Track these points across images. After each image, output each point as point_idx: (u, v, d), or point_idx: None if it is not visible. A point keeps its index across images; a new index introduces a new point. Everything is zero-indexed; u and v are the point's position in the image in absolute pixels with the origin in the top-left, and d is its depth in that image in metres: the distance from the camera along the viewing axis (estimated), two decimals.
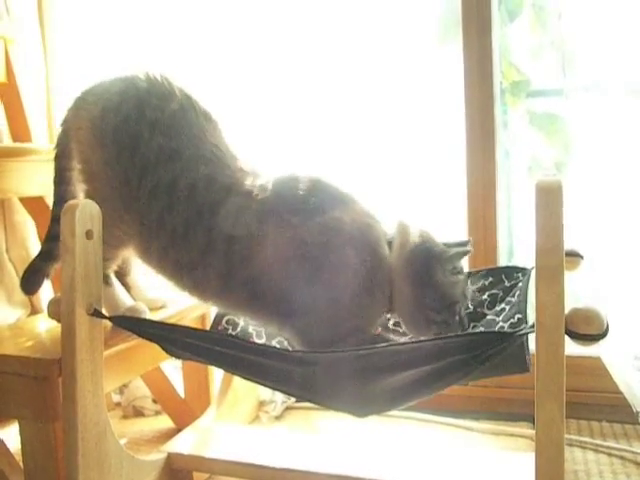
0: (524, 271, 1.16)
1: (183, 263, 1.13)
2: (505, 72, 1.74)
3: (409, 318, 1.11)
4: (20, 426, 1.16)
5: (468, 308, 1.14)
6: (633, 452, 1.42)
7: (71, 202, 1.05)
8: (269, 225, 1.08)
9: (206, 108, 1.21)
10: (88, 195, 1.20)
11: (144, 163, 1.14)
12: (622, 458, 1.41)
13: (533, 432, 1.50)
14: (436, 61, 1.79)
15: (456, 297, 1.08)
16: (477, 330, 1.10)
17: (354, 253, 1.06)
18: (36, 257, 1.31)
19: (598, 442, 1.47)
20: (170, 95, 1.19)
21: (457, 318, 1.07)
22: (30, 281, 1.30)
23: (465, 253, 1.10)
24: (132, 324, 1.13)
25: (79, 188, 1.24)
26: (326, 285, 1.06)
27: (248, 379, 1.11)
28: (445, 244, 1.13)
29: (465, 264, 1.17)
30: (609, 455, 1.43)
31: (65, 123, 1.26)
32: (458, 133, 1.65)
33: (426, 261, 1.08)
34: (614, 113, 1.44)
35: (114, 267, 1.25)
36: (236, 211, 1.09)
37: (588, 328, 0.83)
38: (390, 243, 1.12)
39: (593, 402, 1.58)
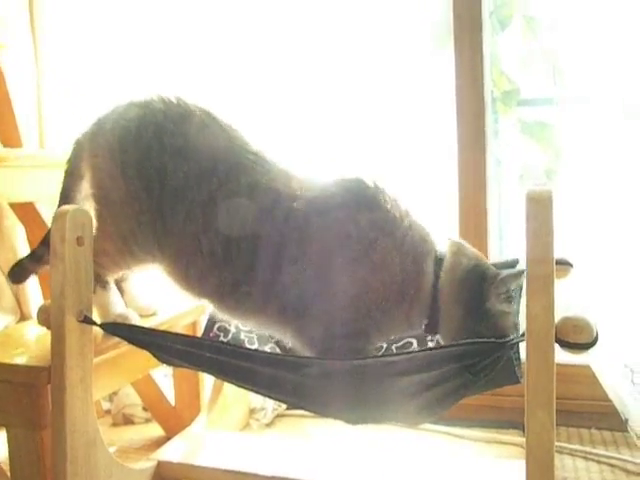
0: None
1: (226, 283, 1.08)
2: (496, 81, 1.76)
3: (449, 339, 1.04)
4: (8, 433, 1.15)
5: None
6: (622, 459, 1.43)
7: (62, 208, 1.05)
8: (318, 223, 1.03)
9: (227, 119, 1.17)
10: (101, 218, 1.16)
11: (175, 192, 1.10)
12: (611, 465, 1.42)
13: (523, 440, 1.51)
14: (432, 65, 1.79)
15: (507, 330, 1.00)
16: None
17: (398, 260, 1.01)
18: (26, 256, 1.29)
19: (587, 449, 1.48)
20: (188, 115, 1.14)
21: (516, 356, 0.97)
22: (17, 274, 1.29)
23: (519, 274, 1.01)
24: (122, 331, 1.13)
25: (88, 208, 1.19)
26: (353, 280, 1.01)
27: (240, 386, 1.10)
28: (493, 264, 1.08)
29: None
30: (598, 462, 1.43)
31: (79, 146, 1.22)
32: (451, 139, 1.66)
33: (480, 285, 1.02)
34: (603, 121, 1.46)
35: (118, 275, 1.23)
36: (286, 215, 1.05)
37: (578, 337, 0.84)
38: (441, 260, 1.06)
39: (582, 410, 1.59)
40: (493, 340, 0.90)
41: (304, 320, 1.04)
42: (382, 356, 0.96)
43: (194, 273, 1.11)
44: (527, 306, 0.84)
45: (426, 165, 1.86)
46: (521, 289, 1.06)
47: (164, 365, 1.28)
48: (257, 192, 1.07)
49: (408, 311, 1.04)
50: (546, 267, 0.82)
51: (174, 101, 1.16)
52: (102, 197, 1.17)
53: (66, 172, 1.23)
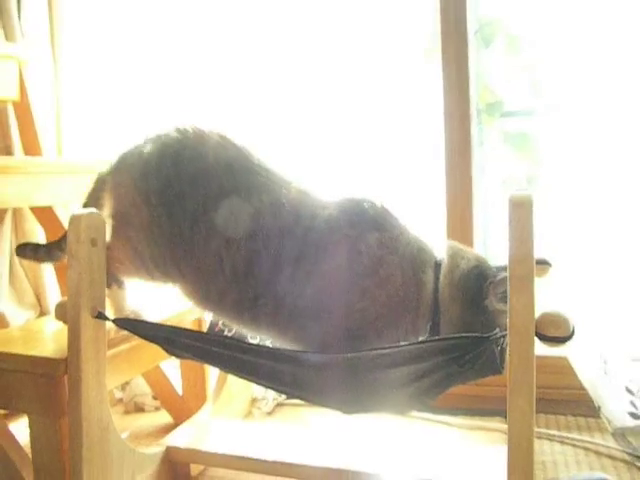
0: None
1: (245, 299, 1.07)
2: (481, 94, 1.76)
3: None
4: (29, 421, 1.15)
5: None
6: (594, 443, 1.44)
7: (77, 212, 1.05)
8: (332, 241, 1.04)
9: (242, 139, 1.16)
10: (120, 241, 1.14)
11: (195, 214, 1.08)
12: (585, 449, 1.42)
13: (506, 426, 1.51)
14: (423, 75, 1.78)
15: (501, 327, 0.97)
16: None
17: (400, 274, 1.02)
18: (41, 245, 1.29)
19: (564, 434, 1.48)
20: (204, 140, 1.13)
21: (499, 349, 0.97)
22: (23, 250, 1.28)
23: None
24: (134, 326, 1.13)
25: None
26: (362, 292, 1.02)
27: (242, 377, 1.09)
28: (496, 267, 1.06)
29: None
30: (573, 446, 1.44)
31: (101, 180, 1.20)
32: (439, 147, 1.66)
33: (478, 283, 1.01)
34: (579, 131, 1.46)
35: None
36: (305, 232, 1.04)
37: (556, 331, 0.84)
38: (439, 265, 1.05)
39: (559, 398, 1.59)
40: (478, 335, 0.90)
41: (311, 325, 1.05)
42: (374, 349, 0.95)
43: (214, 291, 1.09)
44: (509, 303, 0.84)
45: (415, 172, 1.86)
46: None
47: (172, 357, 1.27)
48: (280, 211, 1.06)
49: (413, 319, 1.04)
50: (527, 266, 0.82)
51: (189, 129, 1.14)
52: (124, 223, 1.15)
53: (85, 204, 1.21)
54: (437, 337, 0.99)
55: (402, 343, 0.95)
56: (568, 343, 0.85)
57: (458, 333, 0.99)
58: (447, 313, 1.03)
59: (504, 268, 1.06)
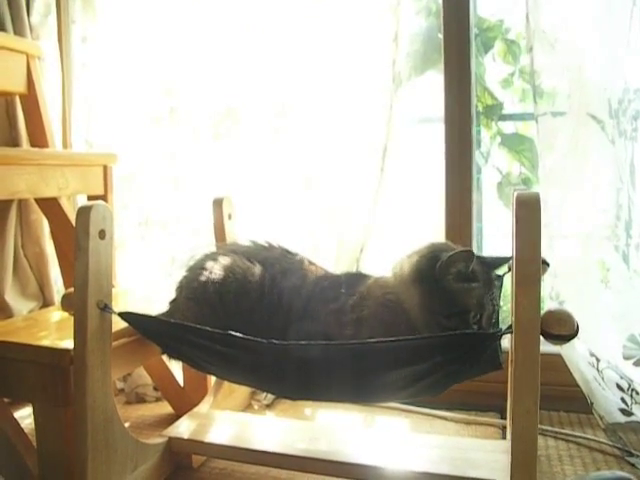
0: (498, 277, 1.14)
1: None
2: (480, 97, 1.74)
3: (424, 327, 1.02)
4: (34, 409, 1.13)
5: (493, 318, 1.03)
6: (587, 438, 1.43)
7: (85, 204, 1.03)
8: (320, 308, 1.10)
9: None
10: None
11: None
12: (577, 444, 1.41)
13: (501, 421, 1.51)
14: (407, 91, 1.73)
15: (468, 306, 0.99)
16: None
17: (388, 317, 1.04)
18: None
19: (557, 430, 1.47)
20: (248, 269, 1.19)
21: (475, 328, 0.98)
22: None
23: (466, 253, 0.99)
24: (138, 320, 1.11)
25: None
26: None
27: (245, 381, 1.12)
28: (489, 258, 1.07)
29: None
30: (566, 441, 1.43)
31: (180, 286, 1.26)
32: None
33: (429, 264, 1.02)
34: (573, 134, 1.44)
35: None
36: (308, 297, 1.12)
37: (561, 329, 0.83)
38: None
39: (553, 394, 1.57)
40: (483, 332, 0.88)
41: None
42: (375, 342, 0.92)
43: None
44: (515, 301, 0.82)
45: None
46: (487, 273, 1.05)
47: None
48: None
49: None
50: (534, 265, 0.81)
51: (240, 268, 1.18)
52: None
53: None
54: (442, 334, 0.97)
55: (407, 337, 0.92)
56: (572, 341, 0.84)
57: (424, 319, 1.00)
58: (411, 302, 1.02)
59: (498, 261, 1.07)
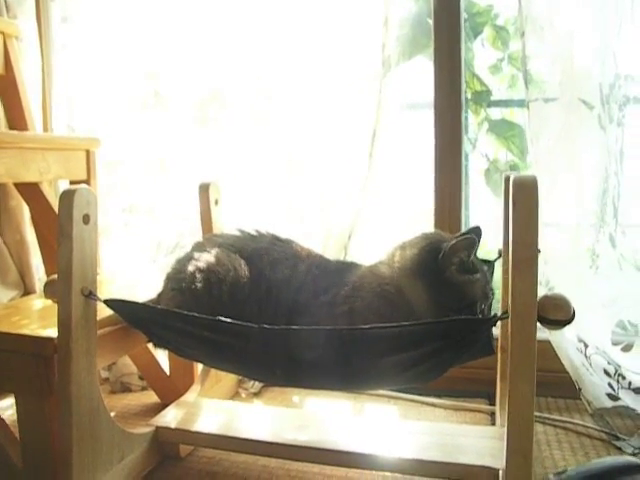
0: (489, 263, 1.13)
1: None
2: (469, 83, 1.72)
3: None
4: (16, 400, 1.09)
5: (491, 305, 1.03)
6: (574, 423, 1.44)
7: (68, 188, 0.99)
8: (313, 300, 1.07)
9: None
10: None
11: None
12: (565, 429, 1.42)
13: (490, 407, 1.50)
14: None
15: (475, 297, 0.98)
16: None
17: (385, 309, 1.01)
18: None
19: (545, 415, 1.48)
20: (234, 260, 1.16)
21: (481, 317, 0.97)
22: None
23: (467, 240, 0.97)
24: (124, 307, 1.07)
25: None
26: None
27: (232, 369, 1.09)
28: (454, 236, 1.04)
29: None
30: (554, 426, 1.43)
31: (168, 278, 1.22)
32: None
33: (430, 256, 0.99)
34: (565, 120, 1.43)
35: None
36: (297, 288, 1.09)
37: (557, 314, 0.82)
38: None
39: (541, 380, 1.56)
40: (479, 317, 0.87)
41: None
42: (371, 328, 0.90)
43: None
44: (512, 286, 0.81)
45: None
46: (480, 260, 1.04)
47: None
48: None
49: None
50: (531, 249, 0.79)
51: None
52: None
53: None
54: (437, 319, 0.96)
55: (408, 322, 0.90)
56: (568, 326, 0.83)
57: (433, 315, 0.98)
58: (417, 297, 1.00)
59: (455, 237, 1.04)
